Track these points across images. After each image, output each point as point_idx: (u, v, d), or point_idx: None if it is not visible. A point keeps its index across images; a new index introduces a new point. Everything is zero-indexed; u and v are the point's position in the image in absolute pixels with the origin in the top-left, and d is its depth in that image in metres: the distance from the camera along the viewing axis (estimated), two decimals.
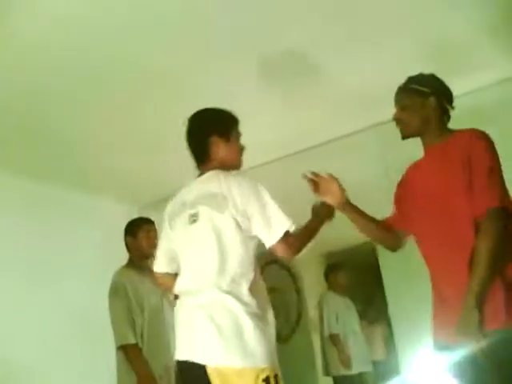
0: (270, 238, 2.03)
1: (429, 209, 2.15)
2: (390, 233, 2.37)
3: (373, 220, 2.38)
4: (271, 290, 7.80)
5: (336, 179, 2.31)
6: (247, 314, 1.97)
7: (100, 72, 2.78)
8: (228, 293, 1.99)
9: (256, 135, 3.38)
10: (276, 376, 1.95)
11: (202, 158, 2.24)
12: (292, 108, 3.45)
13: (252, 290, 2.03)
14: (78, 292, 3.93)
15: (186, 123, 2.28)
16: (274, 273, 7.16)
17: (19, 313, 3.61)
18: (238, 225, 2.03)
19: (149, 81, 2.96)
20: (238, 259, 2.03)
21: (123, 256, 3.38)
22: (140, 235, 3.29)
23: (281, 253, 2.07)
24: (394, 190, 2.40)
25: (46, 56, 2.60)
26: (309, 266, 7.30)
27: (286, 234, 2.03)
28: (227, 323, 1.96)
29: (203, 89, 3.02)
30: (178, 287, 2.17)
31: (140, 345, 3.09)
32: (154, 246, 2.90)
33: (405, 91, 2.25)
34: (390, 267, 6.96)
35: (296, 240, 2.08)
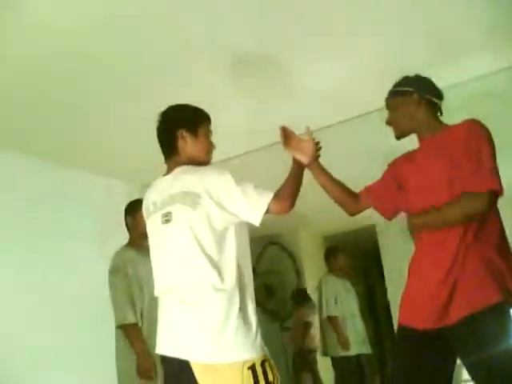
0: (256, 217, 2.02)
1: (423, 199, 2.19)
2: (352, 198, 2.45)
3: (338, 183, 2.46)
4: (272, 272, 7.89)
5: (311, 138, 2.33)
6: (228, 309, 1.97)
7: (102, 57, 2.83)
8: (208, 287, 1.99)
9: (234, 126, 3.45)
10: (263, 362, 1.96)
11: (170, 152, 2.23)
12: (267, 102, 3.53)
13: (231, 280, 2.02)
14: (79, 269, 3.96)
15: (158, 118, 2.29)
16: (274, 254, 7.21)
17: (17, 289, 3.61)
18: (214, 219, 2.02)
19: (146, 71, 3.04)
20: (216, 255, 2.02)
21: (123, 235, 3.40)
22: (140, 215, 3.28)
23: (277, 211, 2.05)
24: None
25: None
26: (309, 248, 7.33)
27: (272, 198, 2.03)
28: (209, 319, 1.97)
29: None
30: (158, 287, 2.16)
31: (140, 325, 3.12)
32: None
33: (390, 95, 2.34)
34: (390, 250, 7.00)
35: (283, 192, 2.08)
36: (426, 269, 2.16)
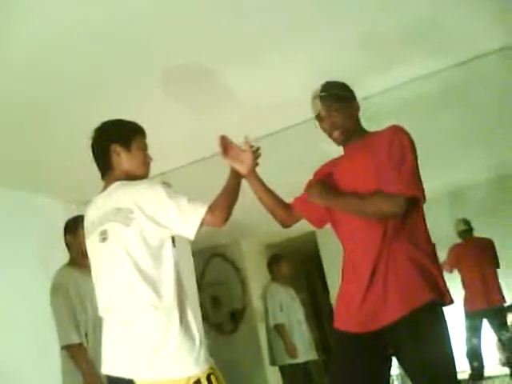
0: (190, 230, 2.01)
1: None
2: (285, 210, 2.47)
3: (273, 194, 2.47)
4: (217, 284, 7.88)
5: (249, 149, 2.33)
6: (168, 325, 1.97)
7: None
8: (145, 305, 1.98)
9: (169, 139, 3.45)
10: (209, 376, 1.96)
11: (105, 169, 2.21)
12: (201, 114, 3.54)
13: (170, 296, 2.01)
14: (19, 291, 3.84)
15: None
16: (218, 266, 7.21)
17: None
18: (148, 234, 2.01)
19: (82, 87, 2.98)
20: (153, 272, 2.01)
21: (63, 254, 3.33)
22: (80, 233, 3.22)
23: (211, 224, 2.04)
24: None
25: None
26: (252, 257, 7.36)
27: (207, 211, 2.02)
28: (149, 337, 1.96)
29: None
30: (100, 307, 2.15)
31: (85, 344, 3.06)
32: None
33: (330, 97, 2.28)
34: (331, 255, 7.10)
35: (218, 205, 2.07)
36: (353, 271, 2.19)
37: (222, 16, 2.60)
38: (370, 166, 2.14)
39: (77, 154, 3.56)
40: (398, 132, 2.15)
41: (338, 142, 2.32)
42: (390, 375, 2.23)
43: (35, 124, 3.27)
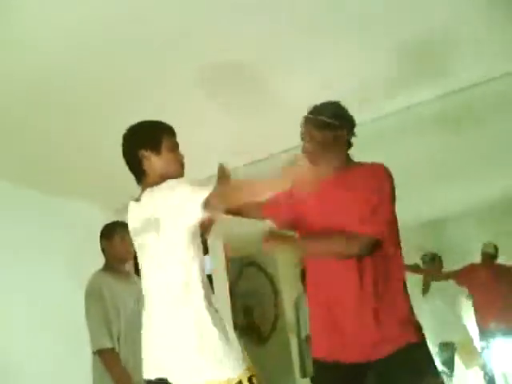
0: (198, 200, 1.90)
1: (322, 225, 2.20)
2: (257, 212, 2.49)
3: (246, 208, 2.48)
4: (250, 293, 7.82)
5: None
6: (209, 326, 1.95)
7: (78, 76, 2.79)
8: (177, 310, 1.98)
9: (212, 144, 3.41)
10: (250, 378, 1.94)
11: (139, 175, 2.18)
12: (243, 119, 3.48)
13: (202, 300, 1.99)
14: (54, 295, 3.90)
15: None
16: (251, 275, 7.18)
17: None
18: (178, 241, 2.00)
19: (120, 92, 3.00)
20: (185, 274, 2.00)
21: (99, 259, 3.36)
22: (115, 239, 3.26)
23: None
24: None
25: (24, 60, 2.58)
26: (286, 267, 7.32)
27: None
28: (192, 339, 1.95)
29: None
30: (144, 310, 2.16)
31: (117, 349, 3.06)
32: (129, 249, 2.91)
33: (313, 124, 2.23)
34: None
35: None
36: (337, 300, 2.19)
37: (264, 30, 2.56)
38: (346, 201, 2.12)
39: (115, 159, 3.62)
40: (380, 175, 2.14)
41: None
42: None
43: (73, 130, 3.31)
